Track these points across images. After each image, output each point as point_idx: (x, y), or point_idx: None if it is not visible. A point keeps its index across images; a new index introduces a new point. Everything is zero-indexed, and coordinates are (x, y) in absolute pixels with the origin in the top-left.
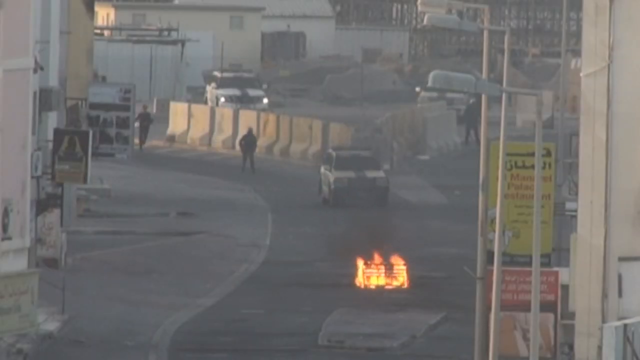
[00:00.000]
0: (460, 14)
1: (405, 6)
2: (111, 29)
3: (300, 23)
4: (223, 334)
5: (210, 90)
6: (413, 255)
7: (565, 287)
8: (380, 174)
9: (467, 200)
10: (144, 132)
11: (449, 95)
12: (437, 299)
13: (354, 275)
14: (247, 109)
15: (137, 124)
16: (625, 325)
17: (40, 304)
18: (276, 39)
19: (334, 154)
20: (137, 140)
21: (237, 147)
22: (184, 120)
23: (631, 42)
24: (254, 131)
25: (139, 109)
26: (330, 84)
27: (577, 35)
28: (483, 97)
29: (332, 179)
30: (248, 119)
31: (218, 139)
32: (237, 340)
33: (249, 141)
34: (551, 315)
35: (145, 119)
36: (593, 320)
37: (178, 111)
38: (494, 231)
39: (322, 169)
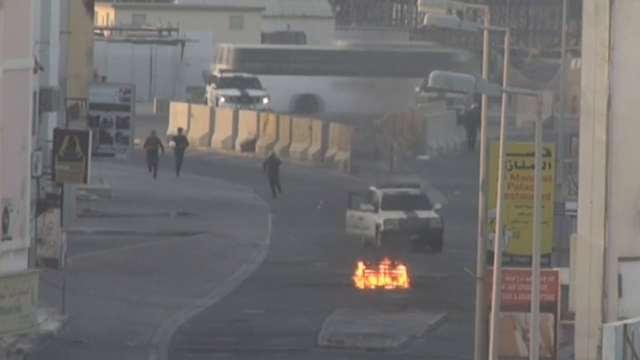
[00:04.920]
0: (460, 14)
1: (405, 6)
2: (111, 29)
3: (300, 23)
4: (223, 334)
5: (210, 90)
6: (413, 255)
7: (565, 287)
8: (433, 214)
9: (467, 200)
10: (179, 156)
11: (449, 95)
12: (437, 299)
13: (354, 275)
14: (247, 109)
15: (172, 144)
16: (625, 326)
17: (40, 304)
18: (276, 39)
19: (379, 192)
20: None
21: (238, 147)
22: (183, 120)
23: (631, 42)
24: (254, 132)
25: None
26: None
27: (577, 35)
28: (483, 97)
29: (381, 220)
30: (248, 119)
31: (218, 139)
32: (237, 340)
33: (272, 164)
34: (551, 316)
35: (181, 142)
36: (593, 321)
37: (178, 111)
38: (494, 231)
39: (363, 207)
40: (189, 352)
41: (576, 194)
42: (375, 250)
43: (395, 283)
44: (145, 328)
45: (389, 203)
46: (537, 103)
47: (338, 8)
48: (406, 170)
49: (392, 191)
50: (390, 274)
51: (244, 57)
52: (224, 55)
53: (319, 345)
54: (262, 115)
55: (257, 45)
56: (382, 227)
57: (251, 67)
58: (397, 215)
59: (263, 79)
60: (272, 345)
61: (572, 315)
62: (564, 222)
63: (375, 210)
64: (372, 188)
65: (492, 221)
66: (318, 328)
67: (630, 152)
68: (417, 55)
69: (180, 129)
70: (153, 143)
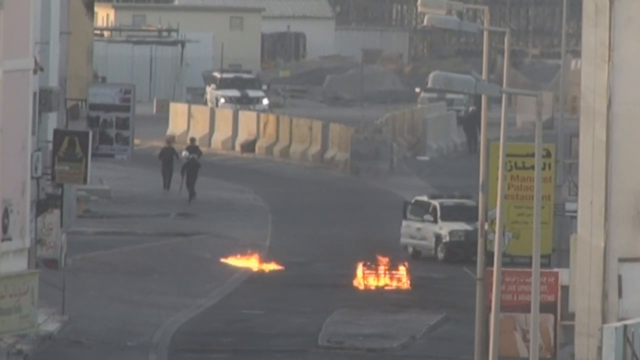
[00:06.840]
0: (460, 14)
1: (405, 7)
2: (111, 29)
3: (300, 23)
4: (223, 334)
5: (210, 91)
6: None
7: (565, 288)
8: None
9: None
10: (192, 170)
11: (449, 96)
12: (437, 300)
13: (354, 275)
14: (247, 109)
15: (185, 154)
16: (625, 326)
17: (40, 305)
18: (276, 39)
19: (435, 202)
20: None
21: (238, 148)
22: (183, 121)
23: (631, 42)
24: (254, 132)
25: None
26: (330, 85)
27: (577, 35)
28: (483, 98)
29: (444, 231)
30: (248, 119)
31: (218, 140)
32: (237, 341)
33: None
34: (551, 316)
35: (194, 152)
36: (593, 321)
37: (178, 112)
38: (494, 232)
39: (420, 217)
40: (189, 352)
41: (576, 194)
42: (438, 263)
43: (395, 283)
44: (145, 328)
45: (449, 214)
46: (537, 104)
47: (338, 8)
48: (406, 170)
49: (449, 202)
50: (390, 274)
51: None
52: None
53: (319, 345)
54: (262, 115)
55: None
56: (446, 238)
57: None
58: (460, 226)
59: None
60: (272, 345)
61: (572, 316)
62: (564, 222)
63: (435, 221)
64: (423, 198)
65: (492, 222)
66: (318, 328)
67: (630, 152)
68: None
69: (192, 139)
70: (168, 154)
